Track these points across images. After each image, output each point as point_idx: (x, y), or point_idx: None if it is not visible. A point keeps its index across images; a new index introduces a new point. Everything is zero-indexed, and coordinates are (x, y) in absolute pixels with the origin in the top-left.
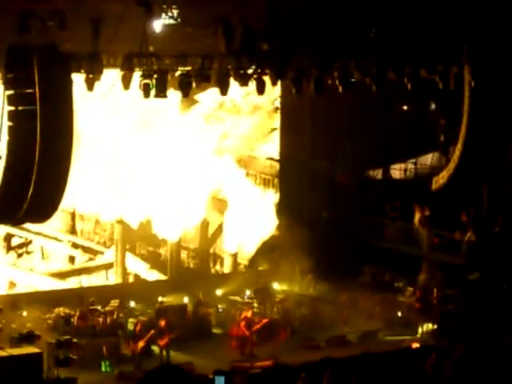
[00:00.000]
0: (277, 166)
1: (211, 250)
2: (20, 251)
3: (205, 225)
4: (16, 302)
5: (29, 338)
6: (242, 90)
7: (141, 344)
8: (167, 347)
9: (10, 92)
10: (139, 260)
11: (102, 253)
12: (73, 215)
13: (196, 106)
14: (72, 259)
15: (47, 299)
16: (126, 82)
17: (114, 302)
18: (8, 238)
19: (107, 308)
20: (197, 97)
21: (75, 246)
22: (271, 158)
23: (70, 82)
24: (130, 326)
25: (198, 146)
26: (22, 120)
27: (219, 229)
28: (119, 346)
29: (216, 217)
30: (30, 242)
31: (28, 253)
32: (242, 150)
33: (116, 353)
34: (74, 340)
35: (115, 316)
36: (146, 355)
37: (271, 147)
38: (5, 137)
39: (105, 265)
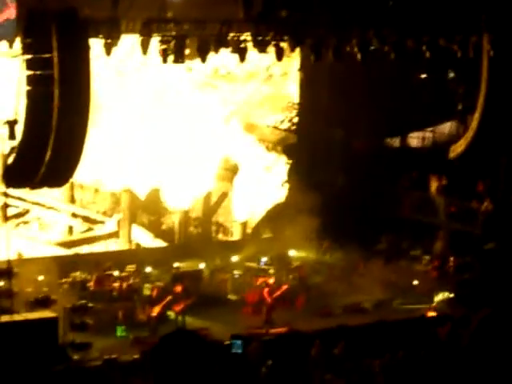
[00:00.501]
0: (279, 133)
1: (213, 219)
2: (17, 221)
3: (208, 193)
4: (32, 266)
5: (44, 302)
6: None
7: (157, 309)
8: (183, 313)
9: (29, 57)
10: (143, 229)
11: (101, 222)
12: (71, 185)
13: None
14: (71, 229)
15: (63, 264)
16: (145, 47)
17: (130, 268)
18: (4, 207)
19: (123, 273)
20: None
21: (74, 215)
22: (275, 127)
23: (87, 48)
24: (146, 292)
25: (204, 113)
26: (40, 85)
27: (222, 197)
28: (135, 312)
29: (219, 185)
30: (27, 211)
31: (25, 223)
32: (242, 117)
33: (132, 318)
34: (90, 305)
35: (131, 281)
36: (161, 321)
37: (270, 115)
38: (23, 101)
39: (109, 234)
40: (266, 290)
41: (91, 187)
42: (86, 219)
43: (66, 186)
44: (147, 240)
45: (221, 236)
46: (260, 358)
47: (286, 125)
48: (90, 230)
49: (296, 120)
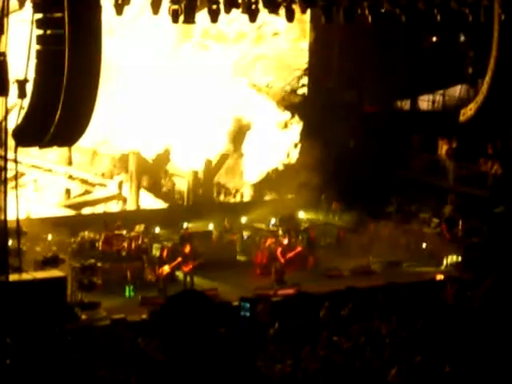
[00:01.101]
0: (279, 93)
1: (216, 180)
2: (12, 185)
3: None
4: (40, 225)
5: (53, 261)
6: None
7: (165, 270)
8: (191, 273)
9: (39, 16)
10: (145, 192)
11: (101, 185)
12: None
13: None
14: (68, 192)
15: (72, 224)
16: (156, 7)
17: (139, 227)
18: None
19: (132, 233)
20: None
21: (71, 178)
22: (267, 86)
23: (99, 7)
24: (155, 252)
25: (204, 73)
26: (51, 44)
27: (223, 158)
28: (143, 271)
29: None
30: (22, 174)
31: (20, 186)
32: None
33: (140, 278)
34: (99, 264)
35: (140, 241)
36: (170, 281)
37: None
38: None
39: (111, 196)
40: (279, 250)
41: (89, 150)
42: (84, 181)
43: (64, 148)
44: (149, 201)
45: (222, 198)
46: (268, 320)
47: (280, 84)
48: (87, 192)
49: (290, 80)
